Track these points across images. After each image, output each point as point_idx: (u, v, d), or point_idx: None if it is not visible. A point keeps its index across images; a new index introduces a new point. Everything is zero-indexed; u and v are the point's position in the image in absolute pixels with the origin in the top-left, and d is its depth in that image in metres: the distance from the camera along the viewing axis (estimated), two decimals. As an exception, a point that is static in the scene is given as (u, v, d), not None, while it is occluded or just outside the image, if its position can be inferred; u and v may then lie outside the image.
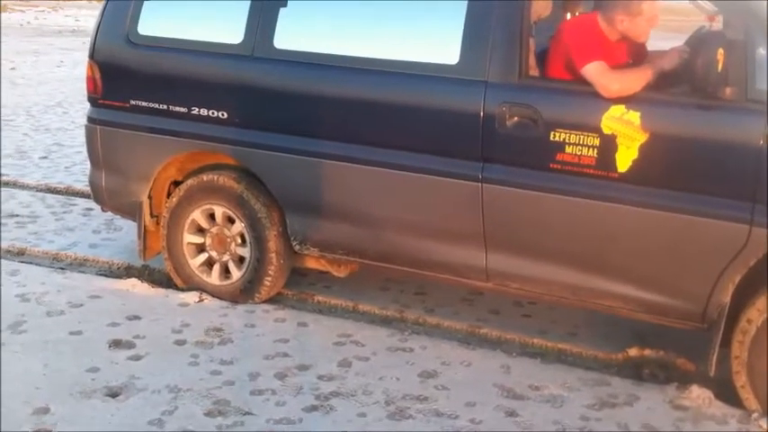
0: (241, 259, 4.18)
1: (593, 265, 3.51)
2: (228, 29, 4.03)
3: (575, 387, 3.43)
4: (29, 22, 19.91)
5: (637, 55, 3.68)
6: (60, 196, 6.04)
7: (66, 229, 5.32)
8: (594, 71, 3.37)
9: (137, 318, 3.92)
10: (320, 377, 3.44)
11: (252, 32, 3.97)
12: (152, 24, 4.21)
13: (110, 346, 3.64)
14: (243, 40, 3.99)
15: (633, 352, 3.81)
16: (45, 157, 7.18)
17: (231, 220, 4.17)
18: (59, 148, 7.50)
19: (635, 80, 3.34)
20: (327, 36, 3.92)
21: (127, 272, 4.64)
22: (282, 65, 3.94)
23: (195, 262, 4.27)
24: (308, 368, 3.52)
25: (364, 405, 3.24)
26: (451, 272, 3.81)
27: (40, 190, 6.18)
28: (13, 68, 12.29)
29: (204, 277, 4.26)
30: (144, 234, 4.34)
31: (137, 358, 3.55)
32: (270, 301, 4.22)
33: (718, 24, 3.82)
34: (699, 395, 3.35)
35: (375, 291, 4.48)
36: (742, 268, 3.24)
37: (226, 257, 4.22)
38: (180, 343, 3.70)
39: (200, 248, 4.27)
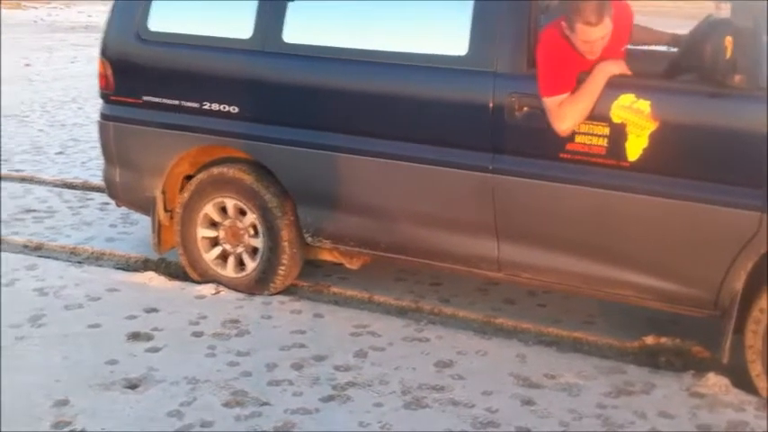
0: (254, 250, 4.21)
1: (604, 254, 3.50)
2: (238, 24, 4.05)
3: (591, 375, 3.44)
4: (42, 19, 19.99)
5: (612, 50, 3.51)
6: (77, 191, 6.09)
7: (84, 224, 5.37)
8: (551, 106, 3.36)
9: (154, 310, 3.96)
10: (336, 367, 3.46)
11: (261, 27, 3.99)
12: (162, 21, 4.24)
13: (128, 339, 3.67)
14: (252, 35, 4.01)
15: (649, 340, 3.80)
16: (61, 153, 7.23)
17: (243, 212, 4.19)
18: (75, 144, 7.55)
19: (584, 109, 3.32)
20: (336, 29, 3.93)
21: (144, 265, 4.67)
22: (292, 59, 3.96)
23: (210, 256, 4.29)
24: (324, 359, 3.54)
25: (381, 395, 3.25)
26: (463, 262, 3.82)
27: (57, 185, 6.23)
28: (27, 65, 12.35)
29: (219, 270, 4.28)
30: (158, 228, 4.37)
31: (155, 350, 3.58)
32: (286, 292, 4.24)
33: (725, 12, 3.79)
34: (715, 383, 3.34)
35: (390, 281, 4.49)
36: (754, 255, 3.22)
37: (240, 249, 4.24)
38: (197, 335, 3.73)
39: (214, 242, 4.30)
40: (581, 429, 3.05)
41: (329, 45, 3.89)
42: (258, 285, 4.19)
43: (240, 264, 4.26)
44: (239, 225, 4.21)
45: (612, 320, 4.06)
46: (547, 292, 4.28)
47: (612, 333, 3.92)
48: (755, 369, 3.27)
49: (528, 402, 3.22)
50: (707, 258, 3.32)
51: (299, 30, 3.94)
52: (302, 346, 3.65)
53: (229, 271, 4.27)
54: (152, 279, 4.31)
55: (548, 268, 3.63)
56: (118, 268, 4.62)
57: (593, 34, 3.29)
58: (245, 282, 4.22)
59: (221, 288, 4.20)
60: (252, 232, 4.19)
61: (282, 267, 4.13)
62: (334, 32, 3.92)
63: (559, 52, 3.40)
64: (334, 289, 4.39)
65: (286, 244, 4.09)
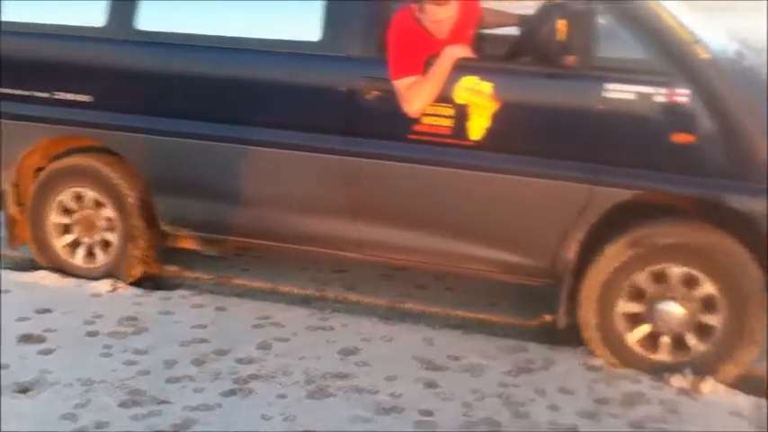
0: (106, 244, 4.18)
1: (453, 230, 3.63)
2: (92, 12, 3.97)
3: (493, 355, 3.48)
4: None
5: (459, 34, 3.63)
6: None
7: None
8: (401, 88, 3.47)
9: (47, 311, 3.81)
10: (239, 361, 3.40)
11: (115, 15, 3.94)
12: (14, 10, 4.12)
13: (18, 341, 3.52)
14: (106, 23, 3.95)
15: (548, 318, 3.87)
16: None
17: (100, 204, 4.14)
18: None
19: (432, 91, 3.44)
20: (190, 16, 3.90)
21: (33, 264, 4.45)
22: (144, 46, 3.92)
23: (60, 242, 4.22)
24: (226, 353, 3.47)
25: (284, 386, 3.21)
26: (324, 244, 3.86)
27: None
28: None
29: (68, 259, 4.23)
30: (10, 222, 4.27)
31: (47, 352, 3.44)
32: (187, 287, 4.17)
33: None
34: (610, 355, 3.42)
35: (294, 271, 4.45)
36: (584, 226, 3.40)
37: (97, 237, 4.18)
38: (92, 334, 3.60)
39: (76, 244, 4.24)
40: (483, 409, 3.08)
41: (183, 32, 3.87)
42: (108, 275, 4.13)
43: (90, 254, 4.21)
44: (91, 213, 4.16)
45: (516, 300, 4.11)
46: (456, 276, 4.30)
47: (515, 313, 3.99)
48: (587, 336, 3.45)
49: (431, 385, 3.23)
50: (542, 230, 3.49)
51: (152, 17, 3.91)
52: (204, 340, 3.57)
53: (78, 260, 4.21)
54: (44, 278, 4.15)
55: (404, 246, 3.73)
56: (6, 268, 4.40)
57: (440, 14, 3.45)
58: (94, 273, 4.16)
59: (119, 284, 4.08)
60: (106, 225, 4.14)
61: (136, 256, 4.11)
62: (188, 19, 3.90)
63: (409, 35, 3.50)
64: (237, 281, 4.32)
65: (137, 232, 4.05)
